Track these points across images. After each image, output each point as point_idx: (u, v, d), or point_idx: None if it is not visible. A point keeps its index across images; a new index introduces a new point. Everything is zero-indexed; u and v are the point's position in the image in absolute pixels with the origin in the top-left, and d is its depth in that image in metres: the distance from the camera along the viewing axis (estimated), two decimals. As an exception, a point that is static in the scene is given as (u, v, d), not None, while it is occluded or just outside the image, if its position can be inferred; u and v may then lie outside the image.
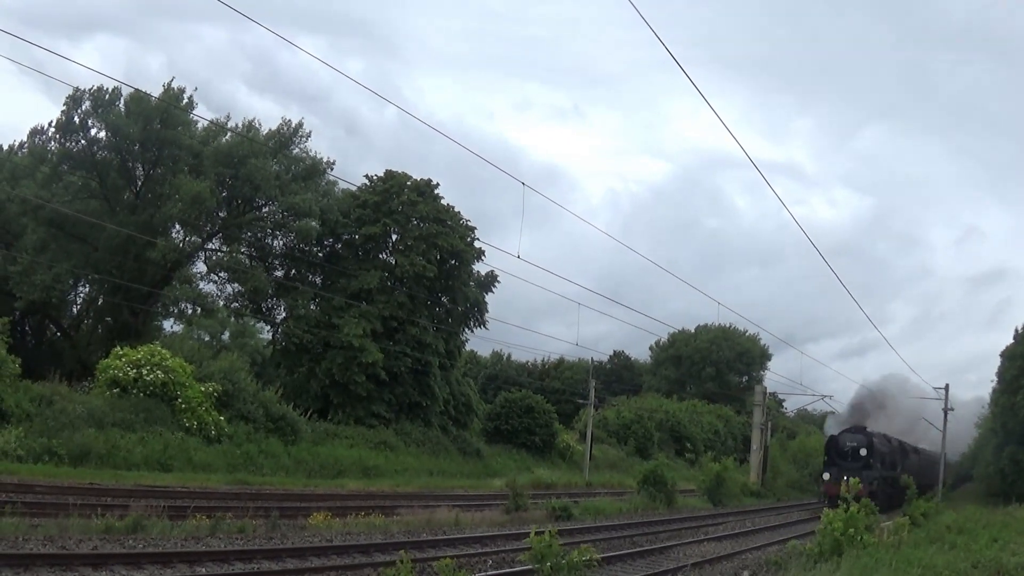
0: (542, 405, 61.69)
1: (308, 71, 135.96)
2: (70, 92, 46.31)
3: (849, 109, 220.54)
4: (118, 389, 36.40)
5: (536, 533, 12.75)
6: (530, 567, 13.21)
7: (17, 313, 48.06)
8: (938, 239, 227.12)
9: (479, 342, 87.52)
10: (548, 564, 12.23)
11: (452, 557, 13.00)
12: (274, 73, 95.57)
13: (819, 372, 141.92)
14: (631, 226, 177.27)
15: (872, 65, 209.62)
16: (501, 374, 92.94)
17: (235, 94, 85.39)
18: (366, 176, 54.14)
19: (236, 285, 52.22)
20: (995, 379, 60.37)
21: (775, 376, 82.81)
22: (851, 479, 25.24)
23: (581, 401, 67.55)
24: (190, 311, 53.21)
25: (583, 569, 12.79)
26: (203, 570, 16.53)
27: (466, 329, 57.48)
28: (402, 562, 11.53)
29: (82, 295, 55.21)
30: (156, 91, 48.69)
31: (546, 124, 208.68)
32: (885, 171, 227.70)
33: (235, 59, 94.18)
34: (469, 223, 54.63)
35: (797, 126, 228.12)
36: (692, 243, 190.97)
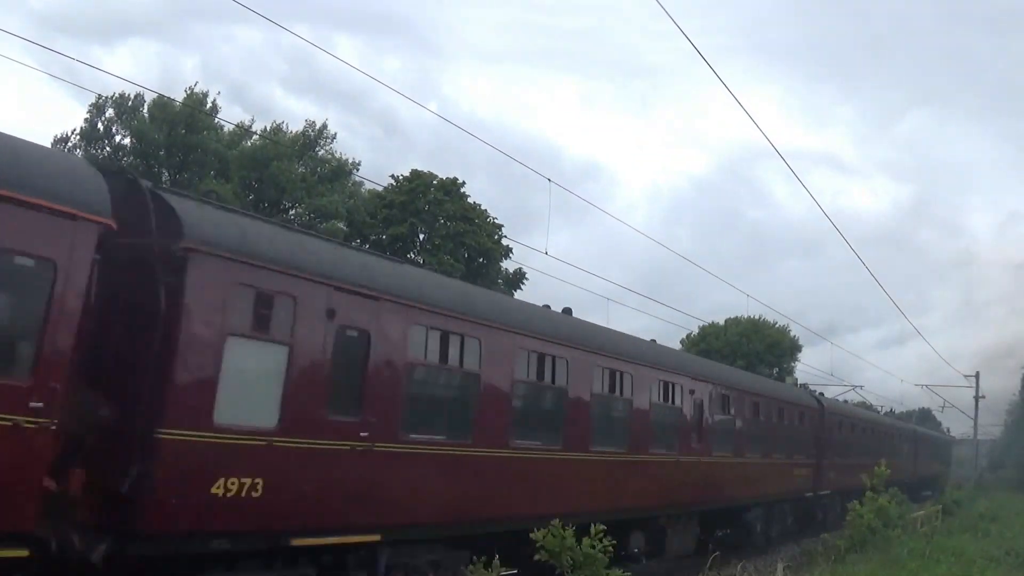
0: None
1: (346, 71, 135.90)
2: (95, 99, 46.85)
3: (890, 95, 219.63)
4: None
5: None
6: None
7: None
8: (980, 225, 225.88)
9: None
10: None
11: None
12: (311, 73, 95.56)
13: (857, 361, 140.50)
14: (673, 219, 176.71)
15: (914, 50, 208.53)
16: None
17: (272, 95, 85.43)
18: (392, 176, 54.20)
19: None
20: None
21: (806, 367, 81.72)
22: (878, 465, 24.96)
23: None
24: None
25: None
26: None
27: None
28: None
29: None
30: (184, 95, 49.14)
31: (587, 117, 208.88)
32: (926, 157, 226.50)
33: (271, 60, 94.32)
34: (496, 220, 54.55)
35: (838, 113, 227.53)
36: (735, 235, 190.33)
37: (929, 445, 60.44)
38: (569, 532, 11.96)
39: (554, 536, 11.99)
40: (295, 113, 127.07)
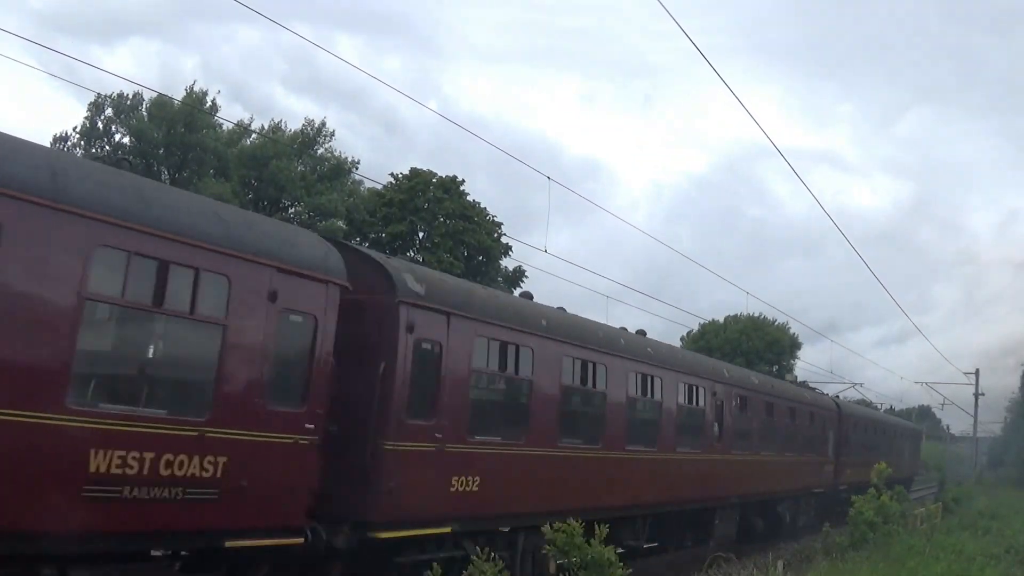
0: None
1: (346, 70, 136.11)
2: (95, 98, 46.83)
3: (891, 94, 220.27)
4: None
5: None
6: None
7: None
8: (980, 223, 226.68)
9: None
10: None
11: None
12: (312, 72, 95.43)
13: (857, 359, 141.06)
14: (673, 218, 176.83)
15: (915, 48, 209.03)
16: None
17: (272, 95, 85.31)
18: (391, 174, 54.07)
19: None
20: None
21: (806, 365, 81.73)
22: (878, 464, 24.87)
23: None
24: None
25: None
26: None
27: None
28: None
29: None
30: (184, 93, 49.12)
31: (588, 117, 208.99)
32: (926, 156, 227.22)
33: (272, 59, 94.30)
34: (496, 219, 54.43)
35: (839, 112, 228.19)
36: (735, 233, 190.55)
37: (877, 433, 42.23)
38: (578, 529, 11.81)
39: (565, 533, 11.85)
40: (295, 112, 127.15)
